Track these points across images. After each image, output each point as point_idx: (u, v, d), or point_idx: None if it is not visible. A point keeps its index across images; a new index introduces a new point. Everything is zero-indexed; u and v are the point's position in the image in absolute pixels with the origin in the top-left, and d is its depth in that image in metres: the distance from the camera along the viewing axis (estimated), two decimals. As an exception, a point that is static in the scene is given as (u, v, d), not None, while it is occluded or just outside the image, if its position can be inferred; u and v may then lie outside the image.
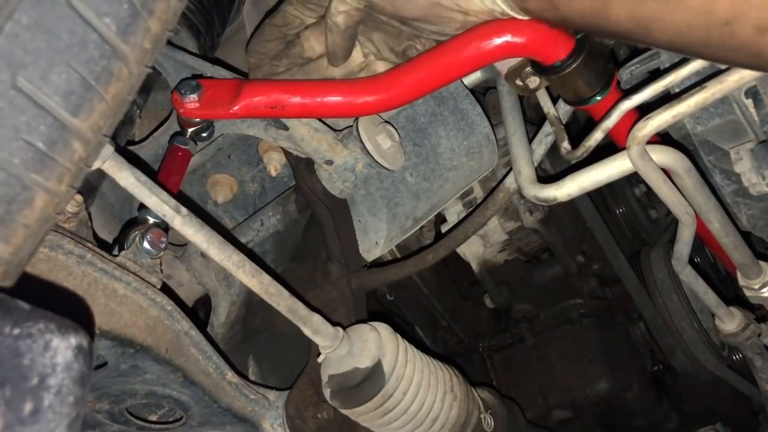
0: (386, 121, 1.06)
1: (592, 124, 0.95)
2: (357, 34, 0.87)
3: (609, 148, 0.95)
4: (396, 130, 1.07)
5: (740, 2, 0.56)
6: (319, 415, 0.91)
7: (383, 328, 0.90)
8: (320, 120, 1.05)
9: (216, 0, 1.21)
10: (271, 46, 0.92)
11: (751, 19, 0.56)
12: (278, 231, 1.21)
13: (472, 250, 1.61)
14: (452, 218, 1.47)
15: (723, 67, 0.81)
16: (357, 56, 0.89)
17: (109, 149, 0.66)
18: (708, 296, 1.15)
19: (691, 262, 1.11)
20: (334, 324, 0.87)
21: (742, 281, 1.11)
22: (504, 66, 0.94)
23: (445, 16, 0.78)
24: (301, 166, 1.09)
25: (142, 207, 0.87)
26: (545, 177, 1.02)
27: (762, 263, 1.08)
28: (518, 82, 0.92)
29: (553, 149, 1.07)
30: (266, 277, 0.80)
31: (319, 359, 0.89)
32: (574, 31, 0.84)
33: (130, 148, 1.15)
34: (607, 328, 1.58)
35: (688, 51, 0.68)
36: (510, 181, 1.09)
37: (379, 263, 1.19)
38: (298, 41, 0.92)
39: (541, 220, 1.45)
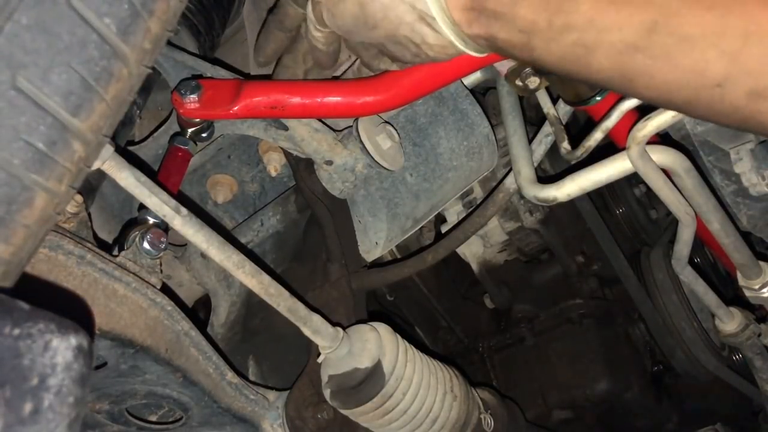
0: (386, 122, 1.06)
1: (592, 125, 0.94)
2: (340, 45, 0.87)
3: (609, 148, 0.95)
4: (396, 130, 1.07)
5: (735, 66, 0.54)
6: (319, 416, 0.91)
7: (383, 329, 0.90)
8: (320, 120, 1.05)
9: (216, 0, 1.21)
10: (278, 45, 0.93)
11: (744, 84, 0.54)
12: (278, 231, 1.21)
13: (472, 251, 1.60)
14: (452, 218, 1.47)
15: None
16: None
17: (109, 149, 0.66)
18: (708, 296, 1.15)
19: (691, 262, 1.11)
20: (334, 324, 0.87)
21: (742, 281, 1.11)
22: (504, 66, 0.94)
23: (400, 47, 0.75)
24: (301, 167, 1.09)
25: (142, 207, 0.87)
26: (545, 177, 1.03)
27: (762, 263, 1.08)
28: (518, 83, 0.92)
29: (553, 149, 1.07)
30: (266, 278, 0.80)
31: (319, 359, 0.89)
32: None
33: (130, 148, 1.15)
34: (607, 329, 1.58)
35: (674, 108, 0.66)
36: (510, 182, 1.09)
37: (379, 263, 1.19)
38: (301, 37, 0.92)
39: (541, 221, 1.45)
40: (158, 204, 0.72)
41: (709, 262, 1.57)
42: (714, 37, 0.54)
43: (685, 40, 0.55)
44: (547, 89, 1.03)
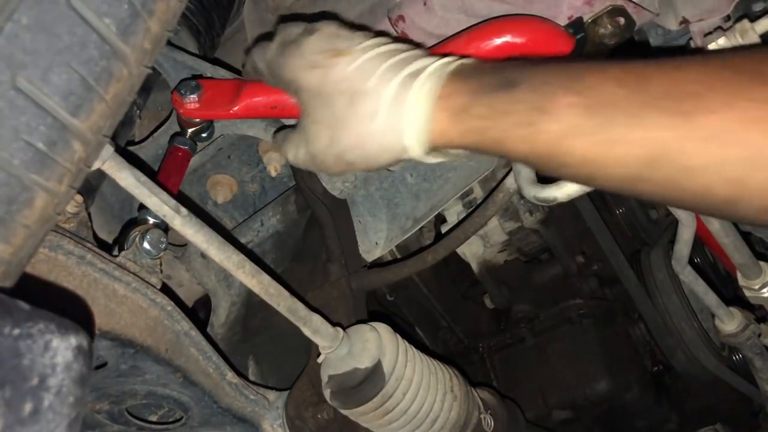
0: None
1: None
2: None
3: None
4: (396, 130, 1.07)
5: (742, 190, 0.54)
6: (319, 416, 0.91)
7: (383, 329, 0.90)
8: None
9: (216, 0, 1.21)
10: None
11: (752, 204, 0.55)
12: (278, 231, 1.21)
13: (472, 251, 1.61)
14: (452, 218, 1.47)
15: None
16: None
17: (109, 149, 0.66)
18: (708, 296, 1.15)
19: (691, 262, 1.11)
20: (334, 324, 0.87)
21: (742, 281, 1.11)
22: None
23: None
24: (301, 167, 1.09)
25: (142, 207, 0.87)
26: (545, 177, 1.02)
27: (762, 263, 1.08)
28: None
29: (553, 149, 1.07)
30: (266, 278, 0.80)
31: (319, 360, 0.89)
32: (574, 34, 0.84)
33: (130, 148, 1.15)
34: (607, 329, 1.58)
35: None
36: (510, 182, 1.08)
37: (379, 263, 1.19)
38: None
39: (541, 221, 1.45)
40: (158, 204, 0.72)
41: (709, 262, 1.57)
42: (717, 167, 0.54)
43: (688, 169, 0.55)
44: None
